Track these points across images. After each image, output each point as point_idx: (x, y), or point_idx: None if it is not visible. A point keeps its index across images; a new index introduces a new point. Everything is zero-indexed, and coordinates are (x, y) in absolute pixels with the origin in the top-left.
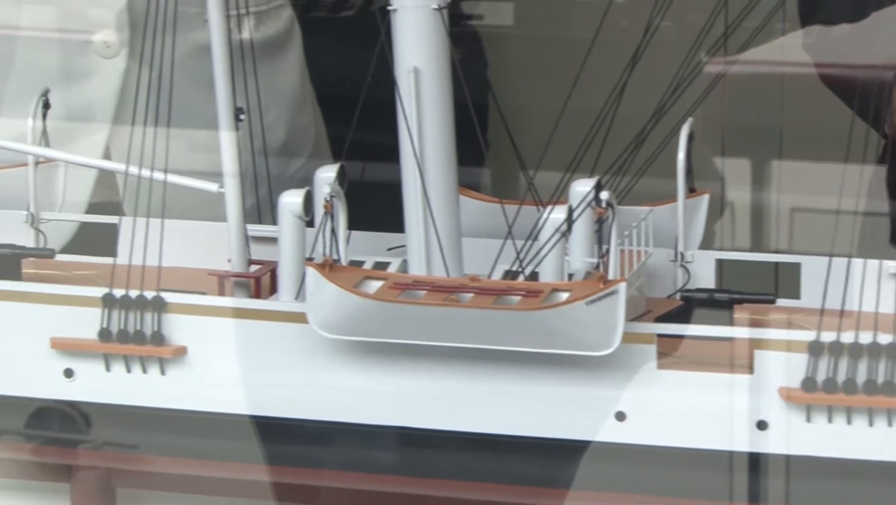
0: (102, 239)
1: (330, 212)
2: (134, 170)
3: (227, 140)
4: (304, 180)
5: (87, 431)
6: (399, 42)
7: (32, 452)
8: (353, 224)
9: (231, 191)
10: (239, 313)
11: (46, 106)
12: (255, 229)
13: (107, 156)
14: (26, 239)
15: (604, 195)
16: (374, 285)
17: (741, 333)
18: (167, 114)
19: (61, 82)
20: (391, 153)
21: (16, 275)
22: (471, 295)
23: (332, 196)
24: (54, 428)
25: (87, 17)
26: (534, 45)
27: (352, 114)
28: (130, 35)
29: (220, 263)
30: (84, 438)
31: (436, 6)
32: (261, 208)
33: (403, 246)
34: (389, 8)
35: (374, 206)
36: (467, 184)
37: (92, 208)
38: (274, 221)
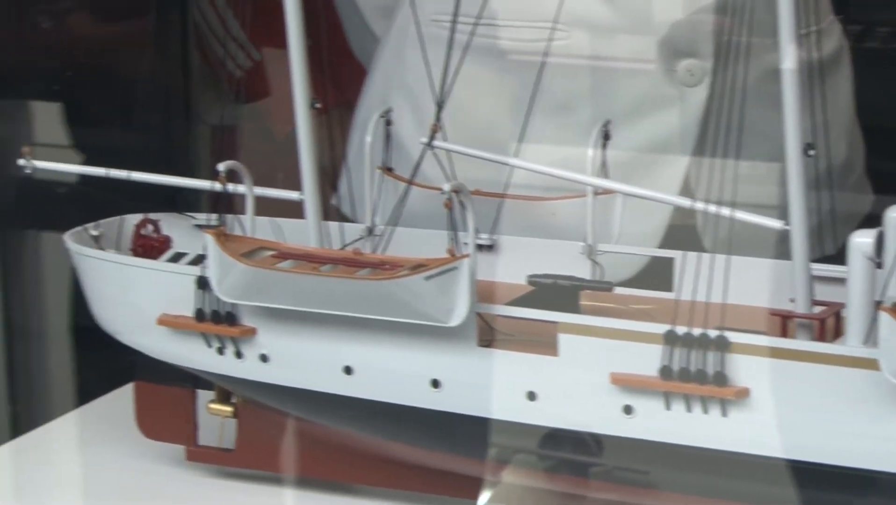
0: (658, 272)
1: None
2: (699, 204)
3: (795, 176)
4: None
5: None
6: None
7: (567, 483)
8: None
9: (798, 229)
10: (804, 356)
11: (607, 137)
12: (815, 269)
13: (686, 187)
14: (583, 270)
15: None
16: None
17: None
18: (740, 144)
19: (639, 111)
20: None
21: (574, 307)
22: None
23: None
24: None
25: (674, 45)
26: None
27: None
28: (714, 62)
29: (775, 301)
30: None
31: None
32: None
33: None
34: None
35: None
36: None
37: (649, 241)
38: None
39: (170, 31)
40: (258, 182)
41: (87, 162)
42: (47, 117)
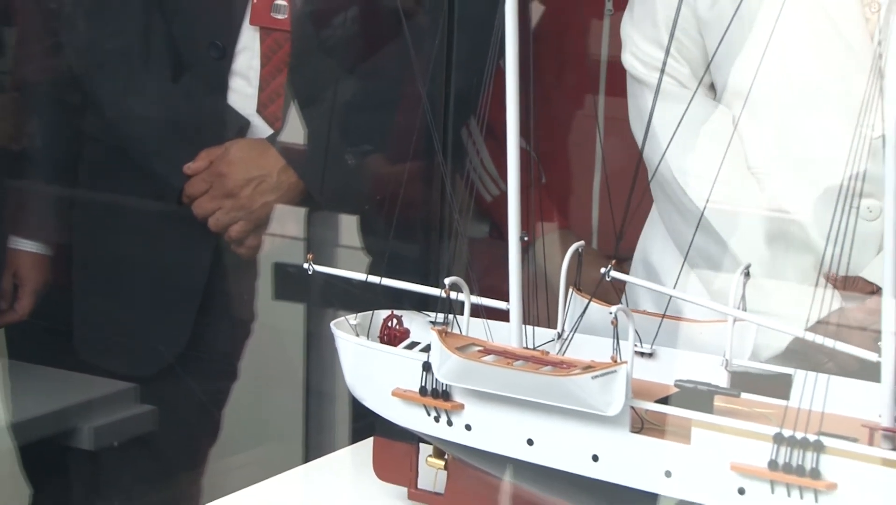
0: (780, 383)
1: None
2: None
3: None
4: None
5: None
6: None
7: None
8: None
9: (888, 358)
10: (885, 463)
11: (747, 275)
12: None
13: None
14: (720, 380)
15: None
16: None
17: None
18: None
19: None
20: None
21: (709, 407)
22: None
23: None
24: None
25: None
26: None
27: None
28: None
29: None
30: None
31: None
32: None
33: None
34: None
35: None
36: None
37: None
38: None
39: (440, 168)
40: (492, 286)
41: (372, 263)
42: (349, 226)
